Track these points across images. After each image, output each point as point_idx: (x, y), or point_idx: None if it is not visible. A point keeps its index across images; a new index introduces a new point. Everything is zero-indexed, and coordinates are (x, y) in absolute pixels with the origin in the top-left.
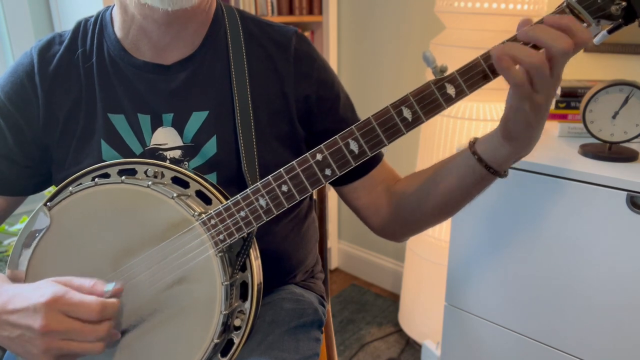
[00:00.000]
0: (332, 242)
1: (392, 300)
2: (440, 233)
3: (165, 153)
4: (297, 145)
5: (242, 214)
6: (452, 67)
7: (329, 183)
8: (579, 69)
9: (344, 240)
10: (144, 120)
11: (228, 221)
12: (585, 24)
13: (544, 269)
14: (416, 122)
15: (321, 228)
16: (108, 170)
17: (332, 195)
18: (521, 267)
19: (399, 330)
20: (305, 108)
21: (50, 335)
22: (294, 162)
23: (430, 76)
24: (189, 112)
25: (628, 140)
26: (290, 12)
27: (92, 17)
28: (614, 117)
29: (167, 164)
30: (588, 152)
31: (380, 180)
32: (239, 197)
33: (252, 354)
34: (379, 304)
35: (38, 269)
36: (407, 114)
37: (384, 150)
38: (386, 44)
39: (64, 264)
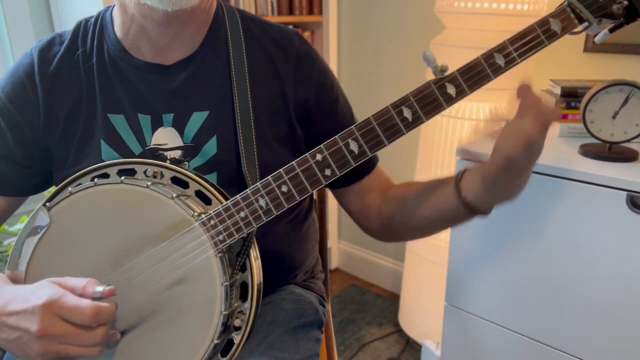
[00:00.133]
0: (332, 242)
1: (392, 300)
2: (441, 233)
3: (165, 153)
4: (297, 146)
5: (242, 214)
6: (452, 67)
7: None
8: (579, 69)
9: (344, 240)
10: (144, 120)
11: (228, 222)
12: (586, 23)
13: (544, 269)
14: (416, 122)
15: (321, 228)
16: (107, 171)
17: (332, 195)
18: (521, 267)
19: (399, 330)
20: (304, 110)
21: (47, 339)
22: (293, 162)
23: (430, 76)
24: (189, 112)
25: (628, 140)
26: (290, 12)
27: (92, 17)
28: (614, 117)
29: (166, 164)
30: (588, 152)
31: (372, 187)
32: (239, 198)
33: (252, 354)
34: (379, 304)
35: (37, 269)
36: (407, 114)
37: (384, 150)
38: (386, 44)
39: (64, 264)
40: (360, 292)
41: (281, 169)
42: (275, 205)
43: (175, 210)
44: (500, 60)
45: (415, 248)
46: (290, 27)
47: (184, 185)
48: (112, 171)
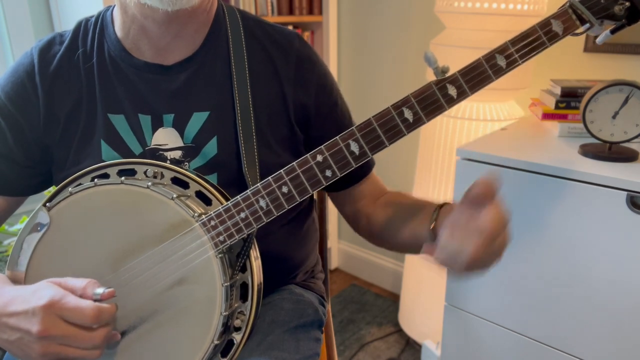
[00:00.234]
0: (332, 242)
1: (392, 300)
2: None
3: (165, 154)
4: (297, 147)
5: (242, 215)
6: (452, 67)
7: None
8: (579, 69)
9: (344, 240)
10: (145, 120)
11: (228, 222)
12: (588, 24)
13: (544, 269)
14: (417, 123)
15: (321, 228)
16: (107, 171)
17: None
18: (521, 267)
19: (399, 330)
20: (303, 112)
21: (47, 340)
22: (294, 163)
23: (430, 76)
24: (189, 113)
25: (628, 140)
26: (290, 12)
27: (92, 17)
28: (614, 117)
29: (166, 164)
30: (588, 152)
31: (364, 194)
32: (239, 198)
33: (252, 354)
34: (379, 304)
35: (37, 269)
36: (408, 114)
37: (384, 149)
38: (386, 44)
39: (63, 264)
40: (360, 292)
41: (282, 170)
42: (275, 206)
43: (175, 210)
44: (501, 62)
45: None
46: (290, 27)
47: (185, 185)
48: (112, 171)
